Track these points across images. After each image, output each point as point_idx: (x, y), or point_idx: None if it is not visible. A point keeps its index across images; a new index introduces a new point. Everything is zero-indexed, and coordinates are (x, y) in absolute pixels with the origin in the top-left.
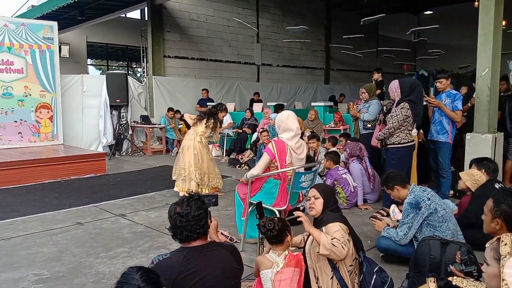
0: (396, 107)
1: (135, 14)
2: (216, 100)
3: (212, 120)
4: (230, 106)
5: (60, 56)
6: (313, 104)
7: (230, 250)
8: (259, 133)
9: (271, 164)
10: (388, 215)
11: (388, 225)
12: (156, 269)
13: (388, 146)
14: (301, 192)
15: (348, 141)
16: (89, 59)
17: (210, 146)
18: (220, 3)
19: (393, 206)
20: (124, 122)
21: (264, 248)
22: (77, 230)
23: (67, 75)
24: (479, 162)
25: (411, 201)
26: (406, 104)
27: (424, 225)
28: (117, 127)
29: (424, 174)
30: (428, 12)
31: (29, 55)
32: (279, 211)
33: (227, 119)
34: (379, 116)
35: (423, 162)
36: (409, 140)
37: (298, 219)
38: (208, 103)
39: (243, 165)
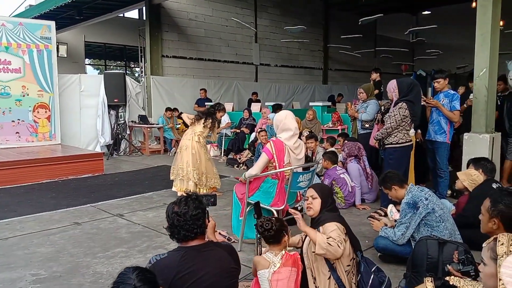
0: (394, 107)
1: (133, 13)
2: (214, 100)
3: (210, 120)
4: (228, 106)
5: (58, 56)
6: (311, 104)
7: (228, 250)
8: (257, 133)
9: (269, 164)
10: (385, 215)
11: (386, 225)
12: (154, 269)
13: (386, 146)
14: (299, 192)
15: (346, 141)
16: (87, 59)
17: (208, 146)
18: (219, 3)
19: (390, 206)
20: (122, 122)
21: (263, 249)
22: (74, 230)
23: (65, 75)
24: (477, 162)
25: (408, 201)
26: (404, 104)
27: (422, 225)
28: (115, 127)
29: (422, 174)
30: (426, 12)
31: (27, 54)
32: (277, 211)
33: (225, 119)
34: (377, 116)
35: (421, 162)
36: (407, 140)
37: (295, 217)
38: (206, 103)
39: (241, 165)
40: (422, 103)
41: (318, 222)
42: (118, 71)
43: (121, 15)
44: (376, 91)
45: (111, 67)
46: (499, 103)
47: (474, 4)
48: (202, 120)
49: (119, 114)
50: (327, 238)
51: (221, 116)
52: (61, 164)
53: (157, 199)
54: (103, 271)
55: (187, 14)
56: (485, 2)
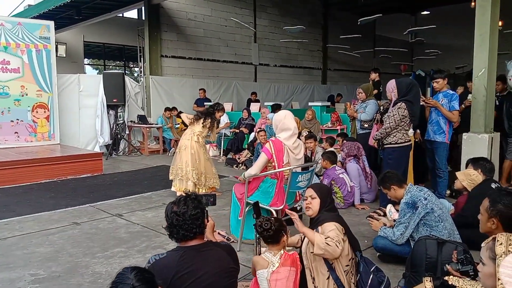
0: (393, 107)
1: (132, 13)
2: (213, 100)
3: (209, 120)
4: (228, 106)
5: (56, 56)
6: (310, 104)
7: (227, 249)
8: (256, 133)
9: (268, 163)
10: (385, 214)
11: (385, 224)
12: (153, 269)
13: (385, 146)
14: (298, 192)
15: (345, 141)
16: (86, 59)
17: (208, 146)
18: (218, 3)
19: (389, 206)
20: (121, 122)
21: (262, 249)
22: (73, 230)
23: (63, 75)
24: (476, 162)
25: (407, 200)
26: (403, 104)
27: (421, 224)
28: (114, 127)
29: (421, 174)
30: (425, 13)
31: (26, 54)
32: (276, 211)
33: (224, 119)
34: (376, 116)
35: (420, 162)
36: (406, 140)
37: (292, 218)
38: (205, 103)
39: (240, 165)
40: (421, 103)
41: (317, 222)
42: (117, 71)
43: (120, 15)
44: (375, 91)
45: (110, 67)
46: (497, 103)
47: (473, 5)
48: (201, 120)
49: (118, 114)
50: (325, 238)
51: (220, 116)
52: (60, 164)
53: (156, 199)
54: (102, 271)
55: (186, 14)
56: (484, 3)
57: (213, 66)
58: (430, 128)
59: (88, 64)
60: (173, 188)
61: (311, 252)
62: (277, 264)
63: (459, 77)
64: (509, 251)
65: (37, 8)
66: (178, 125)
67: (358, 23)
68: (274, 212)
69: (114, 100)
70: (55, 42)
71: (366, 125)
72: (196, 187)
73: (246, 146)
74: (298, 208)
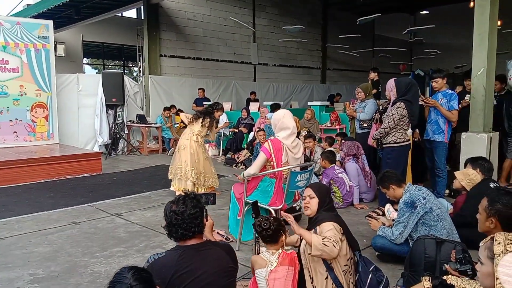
0: (391, 106)
1: (131, 13)
2: (212, 100)
3: (208, 119)
4: (227, 106)
5: (55, 55)
6: (309, 103)
7: (226, 249)
8: (255, 133)
9: (267, 163)
10: (383, 214)
11: (383, 224)
12: (152, 268)
13: (384, 146)
14: (297, 191)
15: (343, 140)
16: (85, 58)
17: (207, 145)
18: (217, 2)
19: (388, 206)
20: (120, 121)
21: (261, 248)
22: (72, 230)
23: (62, 74)
24: (474, 162)
25: (406, 200)
26: (402, 103)
27: (420, 224)
28: (113, 127)
29: (420, 173)
30: (424, 12)
31: (25, 54)
32: (275, 210)
33: (223, 119)
34: (375, 116)
35: (419, 161)
36: (405, 140)
37: (288, 220)
38: (204, 103)
39: (239, 164)
40: (420, 103)
41: (315, 221)
42: (116, 71)
43: (119, 14)
44: (374, 91)
45: (109, 66)
46: (495, 103)
47: (472, 4)
48: (200, 120)
49: (117, 113)
50: (323, 239)
51: (219, 116)
52: (59, 164)
53: (155, 198)
54: (101, 271)
55: (185, 14)
56: (483, 2)
57: (212, 66)
58: (429, 127)
59: (87, 64)
60: (172, 188)
61: (309, 254)
62: (275, 264)
63: (458, 77)
64: (507, 250)
65: (36, 7)
66: (177, 125)
67: (357, 23)
68: (273, 212)
69: (113, 100)
70: (54, 41)
71: (365, 125)
72: (195, 186)
73: (245, 145)
74: (297, 207)
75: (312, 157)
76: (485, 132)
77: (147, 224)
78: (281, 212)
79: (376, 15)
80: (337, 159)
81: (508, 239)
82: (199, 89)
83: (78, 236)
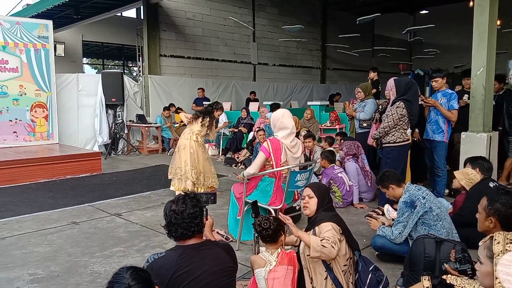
0: (391, 106)
1: (130, 13)
2: (212, 99)
3: (208, 119)
4: (226, 105)
5: (55, 55)
6: (309, 103)
7: (225, 248)
8: (255, 132)
9: (266, 162)
10: (383, 214)
11: (383, 223)
12: (151, 268)
13: (384, 145)
14: (297, 191)
15: (343, 140)
16: (84, 58)
17: (206, 145)
18: (216, 2)
19: (386, 206)
20: (120, 121)
21: (261, 248)
22: (72, 230)
23: (62, 74)
24: (474, 161)
25: (406, 199)
26: (402, 103)
27: (419, 223)
28: (113, 126)
29: (420, 173)
30: (423, 12)
31: (24, 54)
32: (275, 210)
33: (222, 118)
34: (375, 115)
35: (419, 161)
36: (404, 139)
37: (286, 223)
38: (204, 102)
39: (239, 164)
40: (420, 102)
41: (314, 222)
42: (116, 70)
43: (119, 14)
44: (374, 90)
45: (109, 66)
46: (493, 103)
47: (471, 4)
48: (200, 119)
49: (117, 113)
50: (321, 240)
51: (219, 115)
52: (59, 164)
53: (155, 198)
54: (101, 271)
55: (185, 13)
56: (482, 2)
57: (212, 66)
58: (429, 127)
59: (87, 64)
60: (172, 188)
61: (307, 255)
62: (274, 263)
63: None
64: (506, 249)
65: (35, 7)
66: (177, 124)
67: (357, 23)
68: (272, 211)
69: (113, 100)
70: (54, 41)
71: (365, 124)
72: (195, 186)
73: (245, 145)
74: (297, 207)
75: (311, 156)
76: (484, 132)
77: (147, 224)
78: (279, 214)
79: (376, 14)
80: (336, 159)
81: (507, 238)
82: (198, 89)
83: (78, 236)
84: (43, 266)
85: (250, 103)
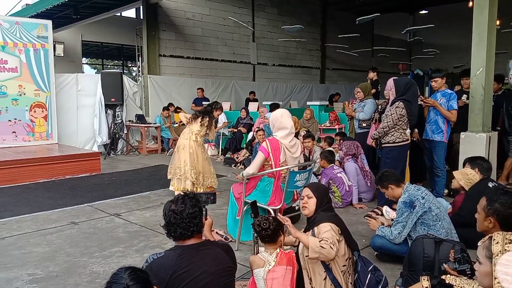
0: (390, 106)
1: (130, 13)
2: (211, 99)
3: (207, 118)
4: (226, 105)
5: (54, 55)
6: (308, 103)
7: (225, 248)
8: (254, 132)
9: (265, 162)
10: (382, 214)
11: (382, 224)
12: (151, 268)
13: (383, 145)
14: (296, 191)
15: (342, 140)
16: (84, 58)
17: (206, 145)
18: (216, 2)
19: (385, 207)
20: (119, 121)
21: (260, 248)
22: (71, 230)
23: (61, 74)
24: (473, 161)
25: (405, 199)
26: (401, 103)
27: (418, 223)
28: (112, 126)
29: (419, 173)
30: (423, 12)
31: (23, 54)
32: (274, 210)
33: (222, 118)
34: (374, 115)
35: (418, 161)
36: (404, 139)
37: (285, 224)
38: (203, 102)
39: (238, 164)
40: (419, 103)
41: (313, 222)
42: (115, 70)
43: (118, 14)
44: (373, 90)
45: (108, 66)
46: (492, 103)
47: (471, 4)
48: (199, 119)
49: (116, 113)
50: (320, 241)
51: (218, 115)
52: (58, 164)
53: (154, 198)
54: (100, 271)
55: (185, 13)
56: (481, 2)
57: (212, 66)
58: (428, 127)
59: (86, 64)
60: (171, 188)
61: (306, 256)
62: (273, 263)
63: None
64: (505, 249)
65: (35, 7)
66: (176, 124)
67: (356, 23)
68: (271, 211)
69: (112, 100)
70: (53, 41)
71: (364, 124)
72: (194, 186)
73: (244, 145)
74: (296, 207)
75: (311, 157)
76: (484, 132)
77: (146, 224)
78: (278, 215)
79: (375, 14)
80: (336, 159)
81: (506, 238)
82: (198, 89)
83: (77, 236)
84: (42, 266)
85: (249, 103)
